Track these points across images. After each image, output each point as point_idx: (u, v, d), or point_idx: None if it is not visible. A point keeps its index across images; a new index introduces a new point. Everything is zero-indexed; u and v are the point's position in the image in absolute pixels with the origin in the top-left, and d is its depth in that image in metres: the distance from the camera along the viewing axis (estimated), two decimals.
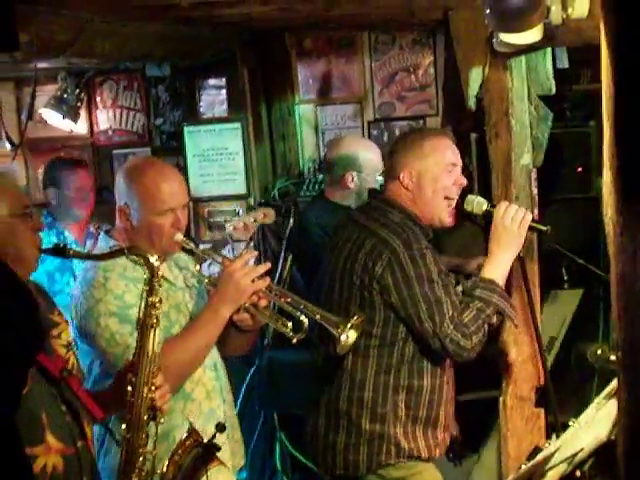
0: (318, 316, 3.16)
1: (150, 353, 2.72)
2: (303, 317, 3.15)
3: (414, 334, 3.32)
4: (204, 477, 2.81)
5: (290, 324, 3.18)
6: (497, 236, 3.37)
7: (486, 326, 3.30)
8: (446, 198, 3.41)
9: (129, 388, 2.68)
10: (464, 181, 3.45)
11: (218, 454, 2.78)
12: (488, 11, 2.80)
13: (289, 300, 3.22)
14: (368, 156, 4.58)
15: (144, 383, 2.69)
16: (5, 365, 1.78)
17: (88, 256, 2.98)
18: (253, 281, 3.11)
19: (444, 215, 3.43)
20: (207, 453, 2.77)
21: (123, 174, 3.25)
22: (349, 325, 3.13)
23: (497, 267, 3.37)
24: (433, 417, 3.41)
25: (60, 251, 2.76)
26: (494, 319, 3.33)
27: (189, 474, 2.76)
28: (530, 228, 3.40)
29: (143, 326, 2.74)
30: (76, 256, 2.90)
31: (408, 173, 3.39)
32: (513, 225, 3.35)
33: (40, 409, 2.49)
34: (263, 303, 3.18)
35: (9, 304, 1.79)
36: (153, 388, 2.71)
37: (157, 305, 2.76)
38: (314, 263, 3.83)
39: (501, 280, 3.36)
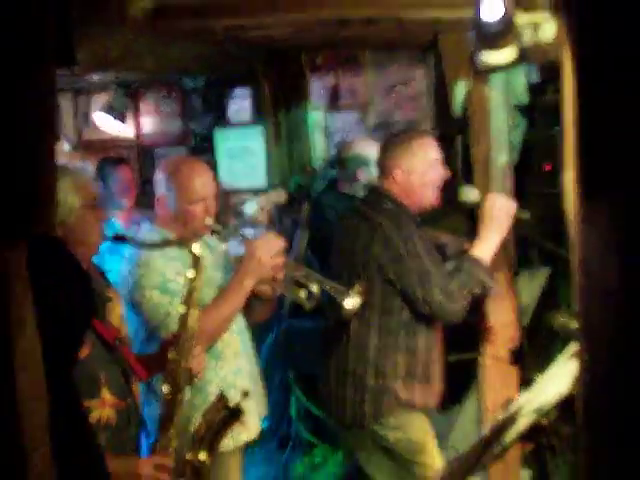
0: (328, 286, 3.18)
1: (190, 328, 2.74)
2: (315, 287, 3.17)
3: (408, 302, 3.33)
4: (230, 432, 2.84)
5: (304, 294, 3.20)
6: (485, 220, 3.37)
7: (469, 295, 3.31)
8: (433, 188, 3.42)
9: (170, 355, 2.70)
10: (447, 173, 3.47)
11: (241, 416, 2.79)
12: (472, 35, 2.79)
13: (303, 273, 3.24)
14: (374, 154, 4.65)
15: (185, 353, 2.72)
16: (65, 330, 1.80)
17: (143, 245, 2.94)
18: (272, 257, 3.12)
19: (431, 199, 3.44)
20: (233, 415, 2.78)
21: (162, 169, 3.27)
22: (353, 293, 3.15)
23: (485, 247, 3.37)
24: (427, 373, 3.42)
25: (121, 239, 2.77)
26: (477, 290, 3.34)
27: (216, 432, 2.77)
28: (515, 216, 3.42)
29: (186, 306, 2.76)
30: (134, 245, 2.90)
31: (400, 171, 3.40)
32: (501, 213, 3.36)
33: (99, 370, 2.53)
34: (280, 276, 3.20)
35: (70, 280, 1.82)
36: (191, 358, 2.73)
37: (199, 289, 2.78)
38: (327, 239, 3.88)
39: (487, 258, 3.36)
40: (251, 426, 3.23)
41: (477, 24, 2.71)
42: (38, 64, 1.57)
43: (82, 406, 1.96)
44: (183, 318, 2.75)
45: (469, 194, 3.43)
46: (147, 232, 3.24)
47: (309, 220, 5.08)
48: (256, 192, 5.10)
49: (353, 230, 3.42)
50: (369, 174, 4.70)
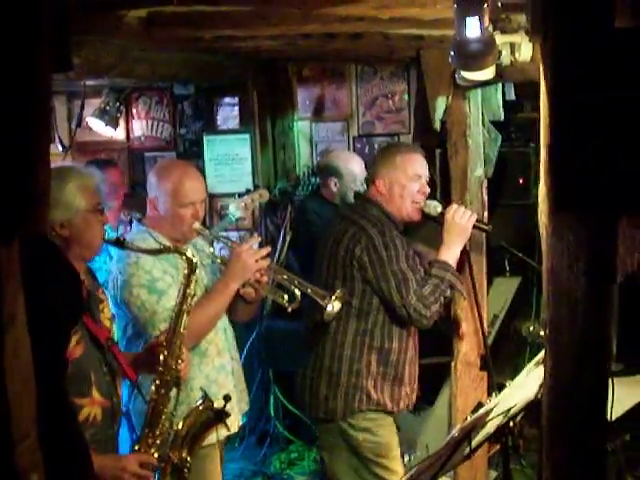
0: (309, 290, 3.18)
1: (181, 333, 2.75)
2: (297, 291, 3.17)
3: (385, 304, 3.36)
4: (213, 432, 2.85)
5: (286, 296, 3.20)
6: (448, 229, 3.43)
7: (442, 298, 3.35)
8: (412, 202, 3.45)
9: (161, 358, 2.70)
10: (427, 189, 3.50)
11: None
12: (452, 53, 2.81)
13: (285, 277, 3.23)
14: (348, 167, 4.82)
15: (174, 357, 2.72)
16: (53, 326, 1.81)
17: (140, 250, 2.89)
18: (257, 261, 3.12)
19: (411, 213, 3.48)
20: (217, 417, 2.79)
21: (154, 172, 3.26)
22: (334, 297, 3.16)
23: (449, 252, 3.42)
24: (399, 375, 3.44)
25: (120, 243, 2.75)
26: (448, 292, 3.38)
27: (198, 432, 2.78)
28: (476, 227, 3.48)
29: (179, 311, 2.76)
30: (132, 249, 2.85)
31: (382, 181, 3.44)
32: (461, 221, 3.42)
33: (90, 369, 2.53)
34: (264, 279, 3.20)
35: (60, 279, 1.82)
36: (179, 361, 2.73)
37: (192, 295, 2.78)
38: (309, 241, 3.89)
39: (453, 263, 3.42)
40: (232, 421, 3.23)
41: (457, 44, 2.73)
42: (35, 69, 1.57)
43: (69, 401, 1.95)
44: (174, 322, 2.75)
45: (431, 207, 3.48)
46: (137, 232, 3.24)
47: (293, 223, 5.12)
48: (240, 194, 5.08)
49: (338, 233, 3.44)
50: (341, 186, 4.81)
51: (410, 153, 3.53)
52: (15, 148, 1.52)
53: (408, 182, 3.44)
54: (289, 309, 3.15)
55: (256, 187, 5.13)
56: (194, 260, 2.80)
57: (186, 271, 2.81)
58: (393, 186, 3.43)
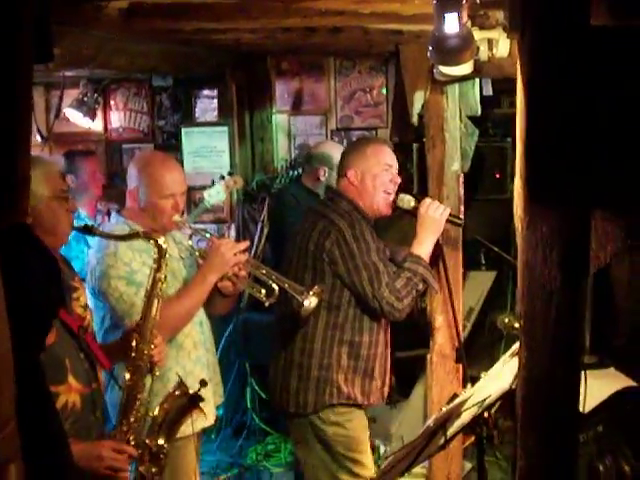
0: (287, 285, 3.18)
1: (153, 318, 2.75)
2: (274, 285, 3.19)
3: (357, 298, 3.36)
4: (189, 419, 2.85)
5: (264, 291, 3.22)
6: (421, 223, 3.44)
7: (414, 291, 3.36)
8: (384, 192, 3.46)
9: (134, 344, 2.70)
10: (398, 179, 3.51)
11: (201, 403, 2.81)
12: (431, 48, 2.83)
13: (263, 271, 3.24)
14: (338, 157, 4.72)
15: (147, 342, 2.72)
16: (33, 313, 1.81)
17: (110, 236, 2.92)
18: (235, 255, 3.13)
19: (383, 205, 3.47)
20: (191, 403, 2.79)
21: (135, 163, 3.26)
22: (311, 293, 3.16)
23: (422, 246, 3.43)
24: (369, 369, 3.43)
25: (88, 230, 2.76)
26: (420, 286, 3.38)
27: (175, 418, 2.79)
28: (449, 221, 3.49)
29: (150, 296, 2.77)
30: (101, 235, 2.88)
31: (354, 172, 3.44)
32: (435, 214, 3.43)
33: (64, 356, 2.51)
34: (242, 273, 3.20)
35: (39, 266, 1.82)
36: (153, 346, 2.74)
37: (162, 280, 2.79)
38: (283, 228, 3.84)
39: (425, 256, 3.42)
40: (208, 413, 3.24)
41: (436, 39, 2.75)
42: (17, 59, 1.58)
43: (47, 387, 1.96)
44: (146, 307, 2.76)
45: (404, 201, 3.50)
46: (115, 224, 3.23)
47: (271, 210, 5.13)
48: (214, 181, 5.06)
49: (309, 227, 3.44)
50: (329, 176, 4.77)
51: (379, 144, 3.56)
52: None
53: (380, 171, 3.44)
54: (266, 304, 3.16)
55: (230, 174, 5.11)
56: (163, 246, 2.79)
57: (155, 255, 2.80)
58: (365, 176, 3.44)
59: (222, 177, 4.88)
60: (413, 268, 3.36)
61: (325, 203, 3.55)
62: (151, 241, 2.82)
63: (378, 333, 3.47)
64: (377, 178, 3.44)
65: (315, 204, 3.69)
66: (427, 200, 3.50)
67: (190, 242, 3.38)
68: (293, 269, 3.44)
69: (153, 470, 2.73)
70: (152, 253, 2.94)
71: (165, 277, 2.81)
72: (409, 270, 3.35)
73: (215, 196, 4.81)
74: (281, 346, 3.50)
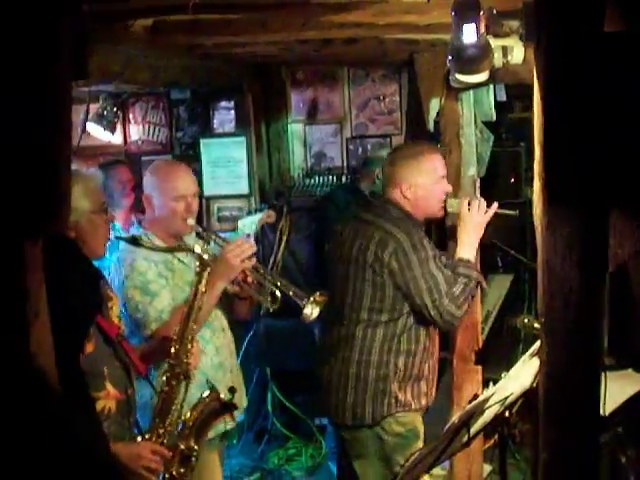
0: (291, 292, 3.17)
1: (192, 328, 2.82)
2: (278, 292, 3.16)
3: (415, 308, 3.33)
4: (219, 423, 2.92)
5: (269, 297, 3.21)
6: (465, 225, 3.40)
7: (470, 297, 3.37)
8: (438, 201, 3.42)
9: (172, 351, 2.78)
10: (450, 188, 3.47)
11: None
12: (450, 58, 2.87)
13: (269, 278, 3.25)
14: None
15: (185, 350, 2.80)
16: (74, 316, 1.87)
17: (153, 248, 3.01)
18: (242, 261, 3.13)
19: (435, 212, 3.45)
20: (224, 409, 2.86)
21: (148, 170, 3.37)
22: (311, 300, 3.14)
23: (470, 249, 3.41)
24: (419, 373, 3.43)
25: (134, 241, 2.85)
26: (475, 290, 3.39)
27: (206, 422, 2.85)
28: (501, 214, 3.45)
29: (190, 307, 2.84)
30: (145, 247, 2.97)
31: (407, 185, 3.37)
32: (477, 216, 3.38)
33: (102, 364, 2.58)
34: (251, 279, 3.22)
35: (80, 273, 1.89)
36: (189, 354, 2.81)
37: (204, 291, 2.86)
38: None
39: (473, 259, 3.41)
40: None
41: (454, 49, 2.79)
42: (57, 77, 1.65)
43: (89, 389, 2.02)
44: (187, 317, 2.82)
45: (453, 206, 3.45)
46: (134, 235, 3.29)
47: (288, 223, 5.22)
48: (238, 197, 5.11)
49: (360, 238, 3.37)
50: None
51: (433, 154, 3.47)
52: (40, 150, 1.60)
53: (434, 185, 3.39)
54: (271, 309, 3.18)
55: (266, 208, 5.25)
56: (204, 256, 2.86)
57: (197, 269, 2.87)
58: (419, 190, 3.38)
59: (256, 210, 4.98)
60: (467, 273, 3.34)
61: (374, 211, 3.45)
62: (194, 254, 2.90)
63: (433, 339, 3.47)
64: (431, 192, 3.39)
65: (359, 211, 3.58)
66: (465, 199, 3.45)
67: (198, 249, 3.41)
68: (351, 286, 3.39)
69: (182, 471, 2.79)
70: (170, 264, 3.01)
71: (206, 291, 2.88)
72: (464, 276, 3.33)
73: (249, 226, 4.94)
74: (333, 358, 3.46)
